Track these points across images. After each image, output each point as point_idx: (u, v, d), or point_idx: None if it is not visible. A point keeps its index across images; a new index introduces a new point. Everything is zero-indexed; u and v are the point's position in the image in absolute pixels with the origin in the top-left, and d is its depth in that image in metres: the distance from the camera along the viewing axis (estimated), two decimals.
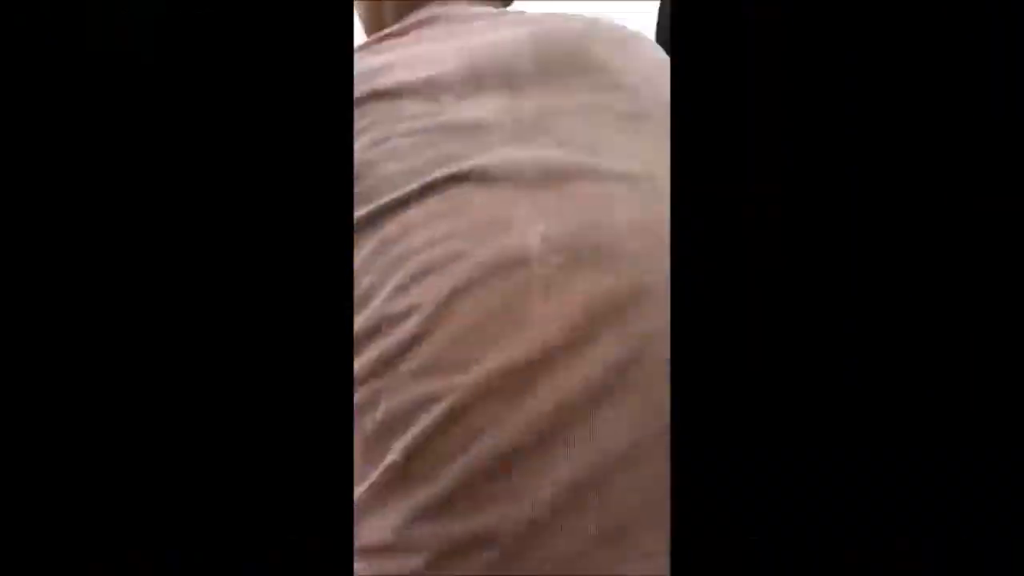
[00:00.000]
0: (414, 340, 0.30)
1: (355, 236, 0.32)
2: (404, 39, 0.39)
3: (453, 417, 0.28)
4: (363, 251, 0.32)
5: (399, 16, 0.43)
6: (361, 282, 0.32)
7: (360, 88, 0.34)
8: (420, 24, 0.39)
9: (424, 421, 0.28)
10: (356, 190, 0.33)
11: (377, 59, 0.36)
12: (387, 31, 0.40)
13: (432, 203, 0.31)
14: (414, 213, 0.31)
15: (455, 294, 0.29)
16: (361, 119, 0.34)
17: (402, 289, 0.30)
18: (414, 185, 0.32)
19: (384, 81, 0.35)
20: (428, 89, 0.34)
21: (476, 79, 0.35)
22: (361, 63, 0.36)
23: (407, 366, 0.30)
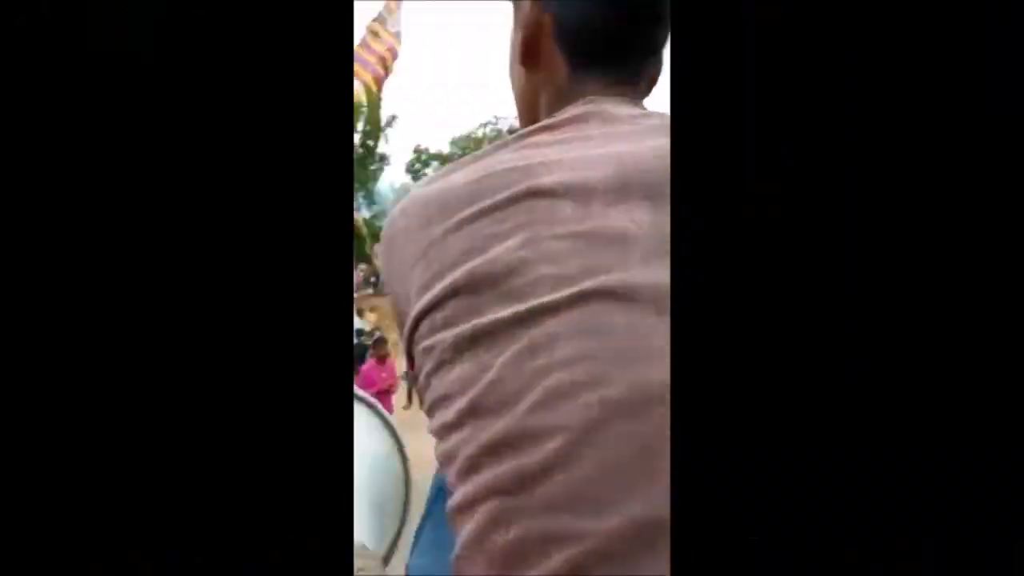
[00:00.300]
0: (553, 466, 0.30)
1: (505, 331, 0.33)
2: (558, 134, 0.40)
3: (582, 563, 0.29)
4: (510, 351, 0.33)
5: (553, 109, 0.44)
6: (505, 386, 0.32)
7: (520, 183, 0.36)
8: (574, 120, 0.40)
9: (556, 560, 0.29)
10: (509, 285, 0.34)
11: (535, 155, 0.38)
12: (543, 123, 0.42)
13: (579, 315, 0.32)
14: (561, 322, 0.32)
15: (596, 425, 0.30)
16: (519, 214, 0.35)
17: (545, 405, 0.31)
18: (564, 293, 0.33)
19: (542, 181, 0.36)
20: (581, 193, 0.35)
21: (623, 188, 0.36)
22: (519, 156, 0.38)
23: (543, 492, 0.30)
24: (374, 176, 21.14)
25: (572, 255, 0.34)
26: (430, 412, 0.37)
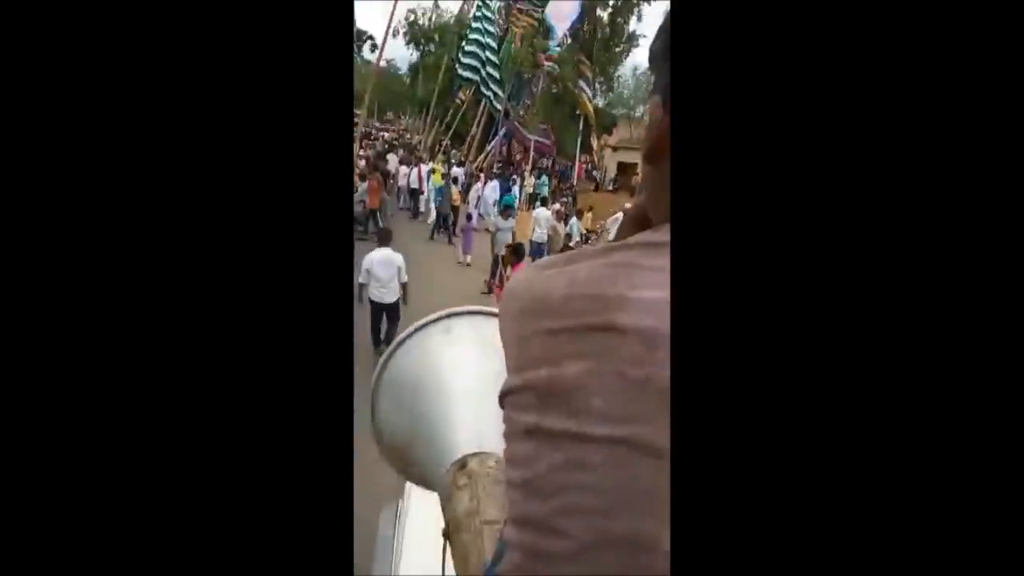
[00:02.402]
0: (561, 559, 0.38)
1: (556, 439, 0.39)
2: (654, 258, 0.40)
3: None
4: (556, 457, 0.39)
5: (660, 222, 0.45)
6: (545, 482, 0.39)
7: (600, 315, 0.38)
8: (665, 246, 0.40)
9: None
10: (569, 403, 0.39)
11: (624, 281, 0.39)
12: (646, 239, 0.42)
13: (610, 453, 0.37)
14: (597, 453, 0.37)
15: (596, 547, 0.37)
16: (592, 343, 0.38)
17: (565, 513, 0.38)
18: (605, 430, 0.37)
19: (619, 320, 0.38)
20: (650, 338, 0.37)
21: None
22: (610, 276, 0.40)
23: (552, 571, 0.40)
24: (617, 59, 19.79)
25: (623, 397, 0.37)
26: (506, 458, 0.44)
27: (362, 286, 4.89)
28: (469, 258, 9.12)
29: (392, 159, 13.40)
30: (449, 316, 0.85)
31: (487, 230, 10.10)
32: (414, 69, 23.94)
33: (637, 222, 0.49)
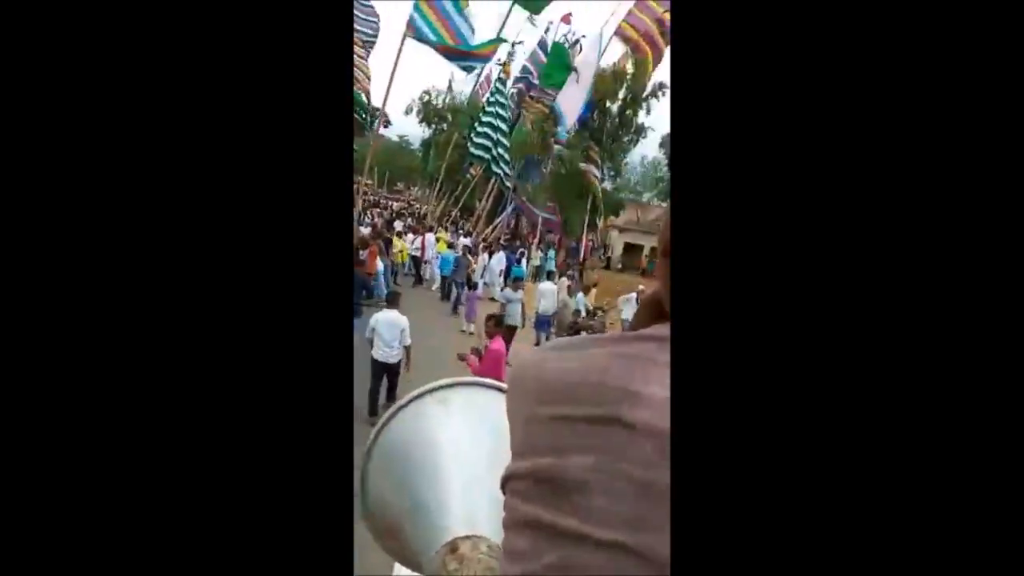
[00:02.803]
0: None
1: (556, 538, 0.37)
2: (666, 353, 0.38)
3: None
4: (554, 556, 0.37)
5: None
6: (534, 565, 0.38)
7: (608, 407, 0.37)
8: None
9: None
10: (571, 499, 0.37)
11: (634, 373, 0.38)
12: (655, 333, 0.40)
13: (607, 561, 0.35)
14: (595, 558, 0.35)
15: None
16: (599, 437, 0.37)
17: None
18: (604, 535, 0.35)
19: (627, 415, 0.36)
20: (658, 438, 0.35)
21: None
22: (620, 366, 0.38)
23: None
24: (625, 148, 20.60)
25: (627, 499, 0.35)
26: (504, 549, 0.42)
27: (369, 340, 4.98)
28: (473, 327, 8.92)
29: (398, 225, 13.57)
30: (446, 387, 0.82)
31: (491, 299, 10.03)
32: (426, 145, 24.88)
33: (652, 309, 0.47)
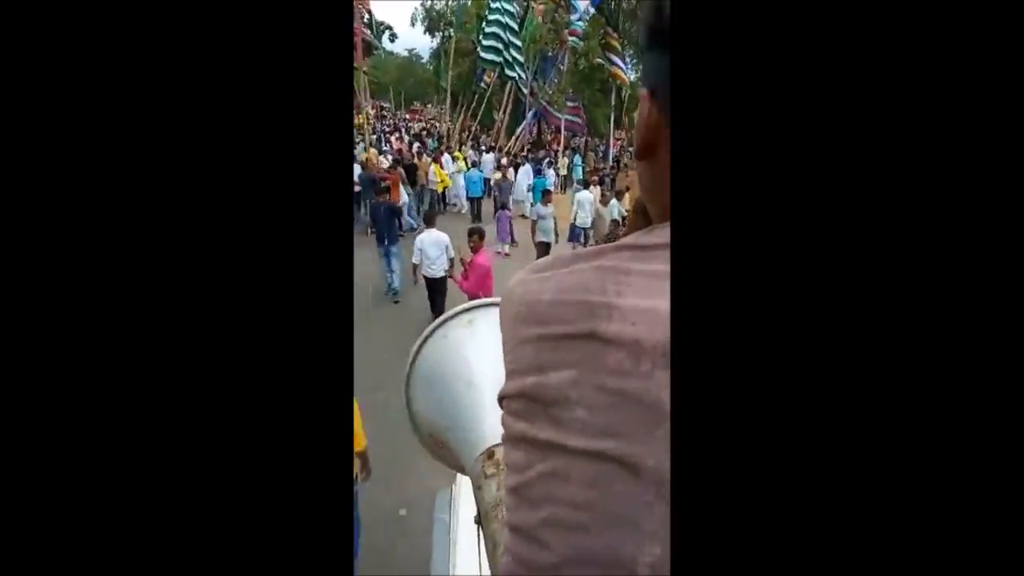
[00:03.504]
0: (545, 569, 0.38)
1: (542, 448, 0.39)
2: (643, 262, 0.39)
3: None
4: (542, 465, 0.38)
5: (667, 212, 0.43)
6: (532, 491, 0.39)
7: (584, 322, 0.38)
8: (662, 249, 0.39)
9: None
10: (554, 412, 0.38)
11: (611, 285, 0.38)
12: (634, 242, 0.41)
13: (589, 467, 0.36)
14: (576, 466, 0.37)
15: (572, 560, 0.37)
16: (575, 351, 0.38)
17: (548, 524, 0.38)
18: (584, 444, 0.36)
19: (602, 328, 0.37)
20: (633, 348, 0.36)
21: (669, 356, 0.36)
22: (598, 279, 0.39)
23: None
24: None
25: (605, 410, 0.36)
26: (504, 463, 0.44)
27: (415, 266, 5.67)
28: (507, 247, 8.85)
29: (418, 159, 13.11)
30: (470, 309, 0.88)
31: (523, 216, 9.82)
32: (436, 55, 23.61)
33: (639, 216, 0.47)
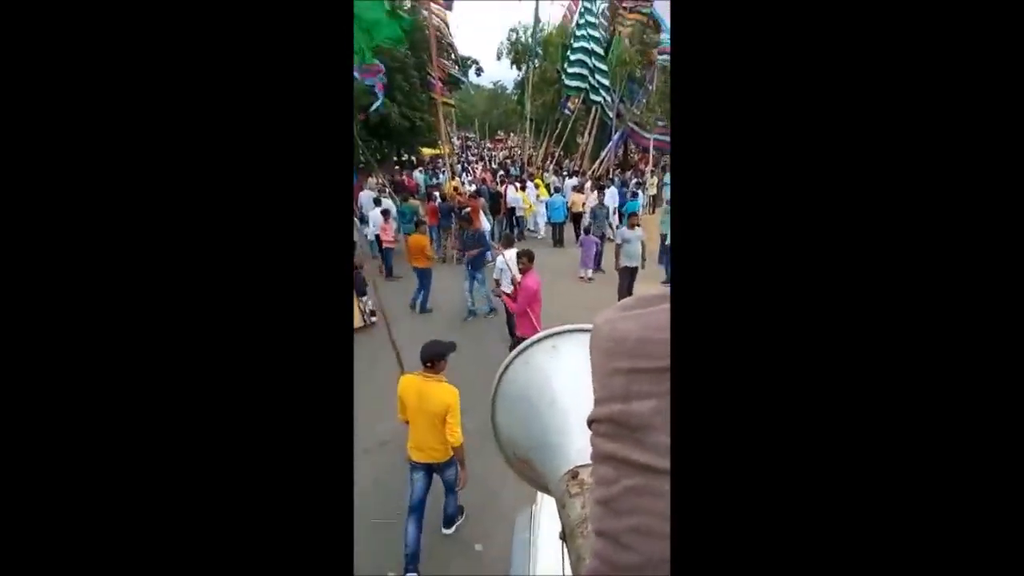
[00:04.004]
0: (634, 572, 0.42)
1: (627, 467, 0.42)
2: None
3: None
4: (629, 481, 0.42)
5: None
6: (619, 504, 0.42)
7: (666, 358, 0.40)
8: None
9: None
10: (638, 436, 0.42)
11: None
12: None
13: (665, 485, 0.40)
14: (662, 486, 0.40)
15: (653, 565, 0.40)
16: (659, 384, 0.41)
17: (636, 531, 0.41)
18: (665, 464, 0.40)
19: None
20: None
21: None
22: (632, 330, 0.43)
23: None
24: None
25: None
26: (593, 478, 0.47)
27: (496, 282, 5.90)
28: (591, 272, 8.36)
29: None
30: (554, 335, 0.89)
31: (608, 239, 9.32)
32: (520, 86, 23.93)
33: None
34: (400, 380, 3.07)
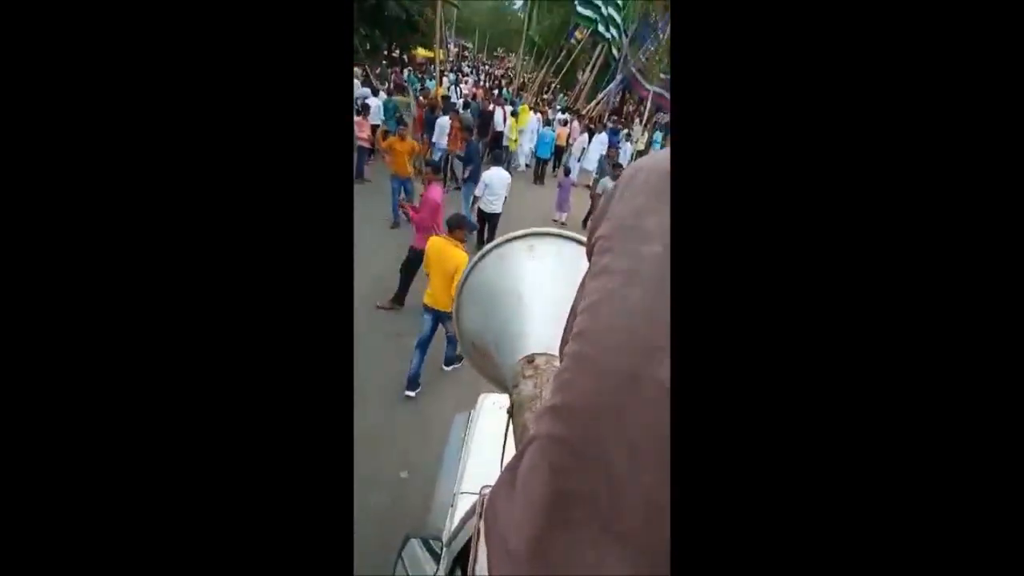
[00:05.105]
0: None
1: (618, 272, 0.43)
2: None
3: None
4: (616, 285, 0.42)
5: None
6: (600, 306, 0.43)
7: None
8: None
9: None
10: (629, 246, 0.43)
11: None
12: None
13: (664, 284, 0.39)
14: (651, 274, 0.40)
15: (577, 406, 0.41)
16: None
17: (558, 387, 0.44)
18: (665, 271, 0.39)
19: None
20: None
21: None
22: None
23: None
24: None
25: None
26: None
27: (475, 199, 6.04)
28: (564, 216, 8.20)
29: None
30: (533, 235, 0.89)
31: (586, 186, 9.11)
32: (529, 5, 22.49)
33: None
34: (429, 241, 3.81)
